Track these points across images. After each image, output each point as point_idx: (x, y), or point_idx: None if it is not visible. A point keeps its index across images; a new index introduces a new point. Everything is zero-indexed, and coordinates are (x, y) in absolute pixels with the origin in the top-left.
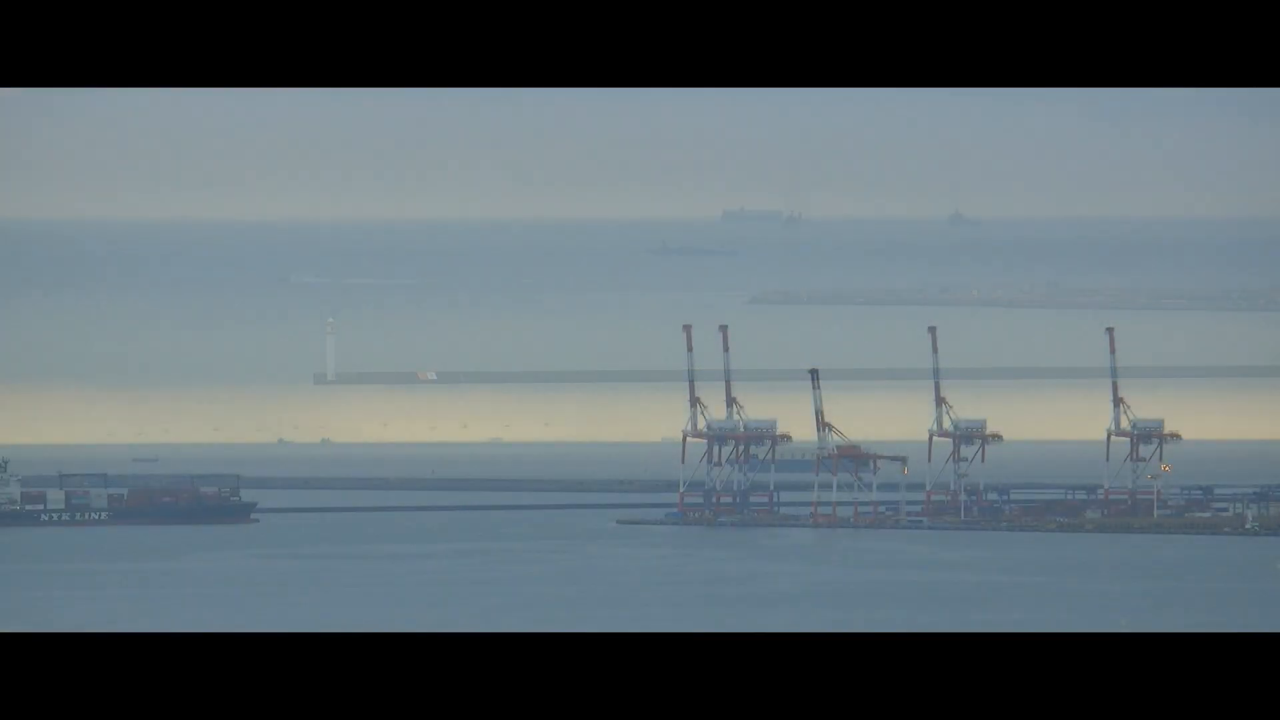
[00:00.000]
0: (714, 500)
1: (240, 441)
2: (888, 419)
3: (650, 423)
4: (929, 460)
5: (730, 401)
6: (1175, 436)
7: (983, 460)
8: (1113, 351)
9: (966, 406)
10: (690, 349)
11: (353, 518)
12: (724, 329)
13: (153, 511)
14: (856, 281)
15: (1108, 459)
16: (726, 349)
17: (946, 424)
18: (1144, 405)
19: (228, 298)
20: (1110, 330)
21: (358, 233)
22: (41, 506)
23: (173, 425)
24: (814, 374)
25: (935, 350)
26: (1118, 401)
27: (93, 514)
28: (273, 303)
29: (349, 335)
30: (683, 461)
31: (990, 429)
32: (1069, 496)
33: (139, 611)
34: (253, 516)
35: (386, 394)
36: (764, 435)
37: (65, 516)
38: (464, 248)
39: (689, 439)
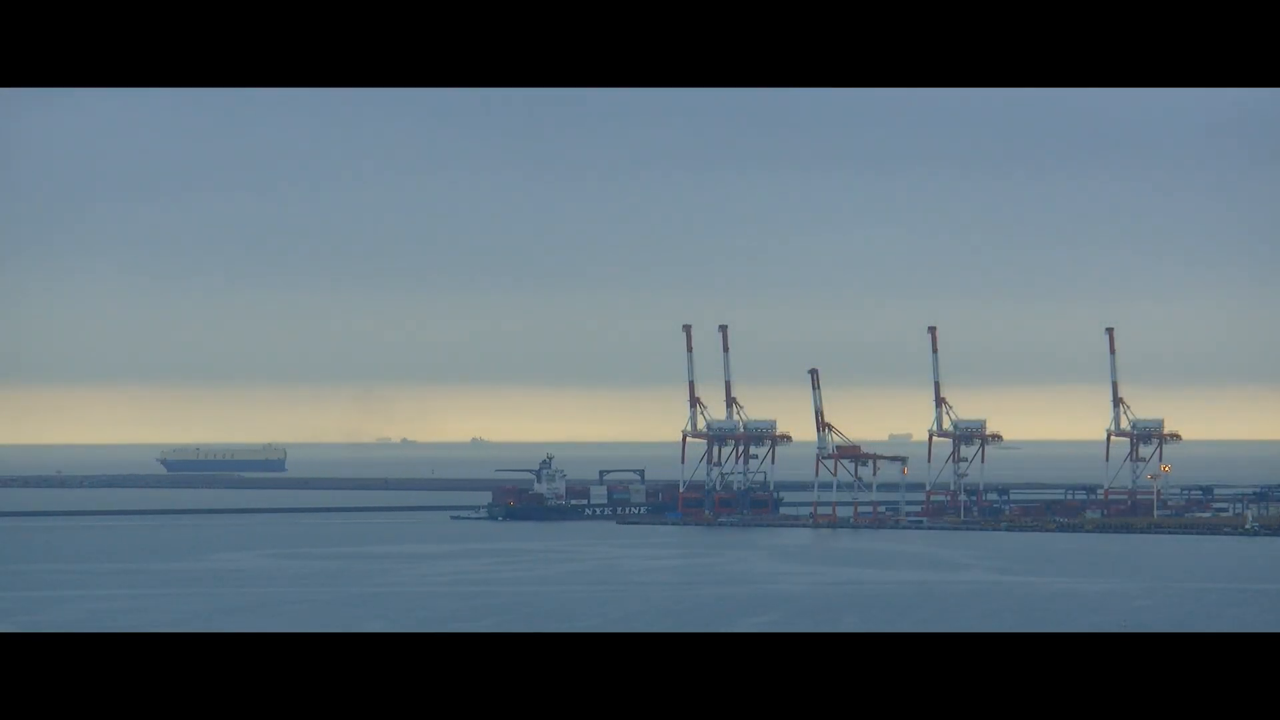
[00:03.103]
0: (714, 500)
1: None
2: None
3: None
4: (929, 460)
5: (730, 401)
6: (1175, 437)
7: (982, 460)
8: (1113, 352)
9: (966, 406)
10: (690, 349)
11: None
12: (724, 329)
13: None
14: None
15: (1108, 459)
16: (726, 349)
17: (946, 424)
18: (1144, 405)
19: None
20: (1110, 330)
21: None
22: (585, 501)
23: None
24: (814, 374)
25: (935, 350)
26: (1118, 401)
27: (632, 508)
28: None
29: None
30: (683, 461)
31: (990, 429)
32: (1069, 496)
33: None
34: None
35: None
36: (764, 435)
37: (607, 511)
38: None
39: (689, 439)
